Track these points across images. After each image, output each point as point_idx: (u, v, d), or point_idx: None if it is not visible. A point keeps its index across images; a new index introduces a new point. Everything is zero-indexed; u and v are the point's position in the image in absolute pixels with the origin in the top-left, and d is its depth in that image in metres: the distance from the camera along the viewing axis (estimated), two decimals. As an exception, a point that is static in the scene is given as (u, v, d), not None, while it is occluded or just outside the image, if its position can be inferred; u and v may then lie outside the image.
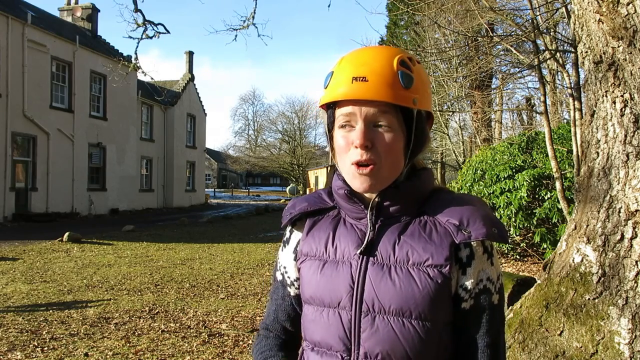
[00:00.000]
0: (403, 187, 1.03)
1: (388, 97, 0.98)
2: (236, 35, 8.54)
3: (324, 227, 1.11)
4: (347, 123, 1.01)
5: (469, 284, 1.00)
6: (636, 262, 2.35)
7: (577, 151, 4.33)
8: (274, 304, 1.21)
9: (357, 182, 1.02)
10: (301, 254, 1.12)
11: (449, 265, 0.99)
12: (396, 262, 1.01)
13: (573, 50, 4.27)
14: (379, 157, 0.99)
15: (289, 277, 1.17)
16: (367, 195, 1.05)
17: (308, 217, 1.14)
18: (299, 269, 1.14)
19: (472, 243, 1.00)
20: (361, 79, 0.98)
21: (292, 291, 1.17)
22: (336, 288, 1.04)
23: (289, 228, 1.18)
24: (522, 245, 8.01)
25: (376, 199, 1.04)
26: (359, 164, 1.00)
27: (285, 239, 1.20)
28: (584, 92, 2.89)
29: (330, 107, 1.06)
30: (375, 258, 1.02)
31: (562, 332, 2.52)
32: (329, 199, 1.14)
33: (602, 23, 2.48)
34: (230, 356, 4.22)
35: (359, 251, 1.03)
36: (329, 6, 8.38)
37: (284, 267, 1.18)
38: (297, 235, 1.16)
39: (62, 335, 4.68)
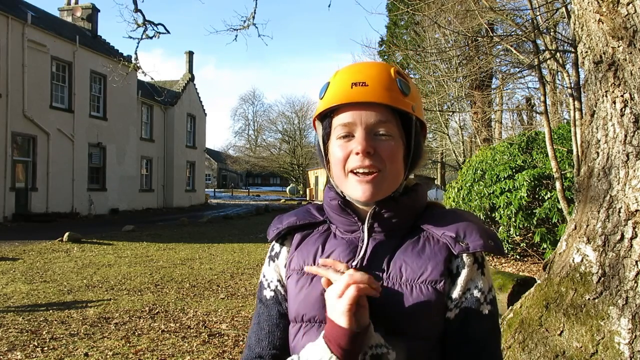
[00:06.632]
0: (402, 200, 1.00)
1: (389, 100, 0.96)
2: (236, 36, 8.54)
3: (312, 241, 1.07)
4: (346, 133, 0.98)
5: (455, 293, 0.96)
6: (636, 262, 2.35)
7: (577, 151, 4.33)
8: (265, 328, 1.07)
9: (359, 189, 0.97)
10: (288, 269, 1.07)
11: (443, 281, 0.95)
12: (389, 278, 0.97)
13: (573, 50, 4.27)
14: (382, 164, 0.96)
15: (282, 293, 1.08)
16: (362, 207, 1.02)
17: (297, 232, 1.10)
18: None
19: (463, 254, 0.96)
20: (361, 83, 0.97)
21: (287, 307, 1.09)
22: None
23: (277, 243, 1.12)
24: (522, 245, 8.01)
25: (374, 209, 0.99)
26: (359, 172, 0.96)
27: (273, 253, 1.12)
28: (584, 92, 2.89)
29: (326, 118, 1.03)
30: (368, 274, 0.97)
31: (562, 332, 2.53)
32: (319, 213, 1.11)
33: (602, 23, 2.48)
34: (230, 356, 4.21)
35: (354, 264, 0.98)
36: (329, 6, 8.39)
37: (277, 282, 1.09)
38: (286, 250, 1.11)
39: (62, 335, 4.68)
